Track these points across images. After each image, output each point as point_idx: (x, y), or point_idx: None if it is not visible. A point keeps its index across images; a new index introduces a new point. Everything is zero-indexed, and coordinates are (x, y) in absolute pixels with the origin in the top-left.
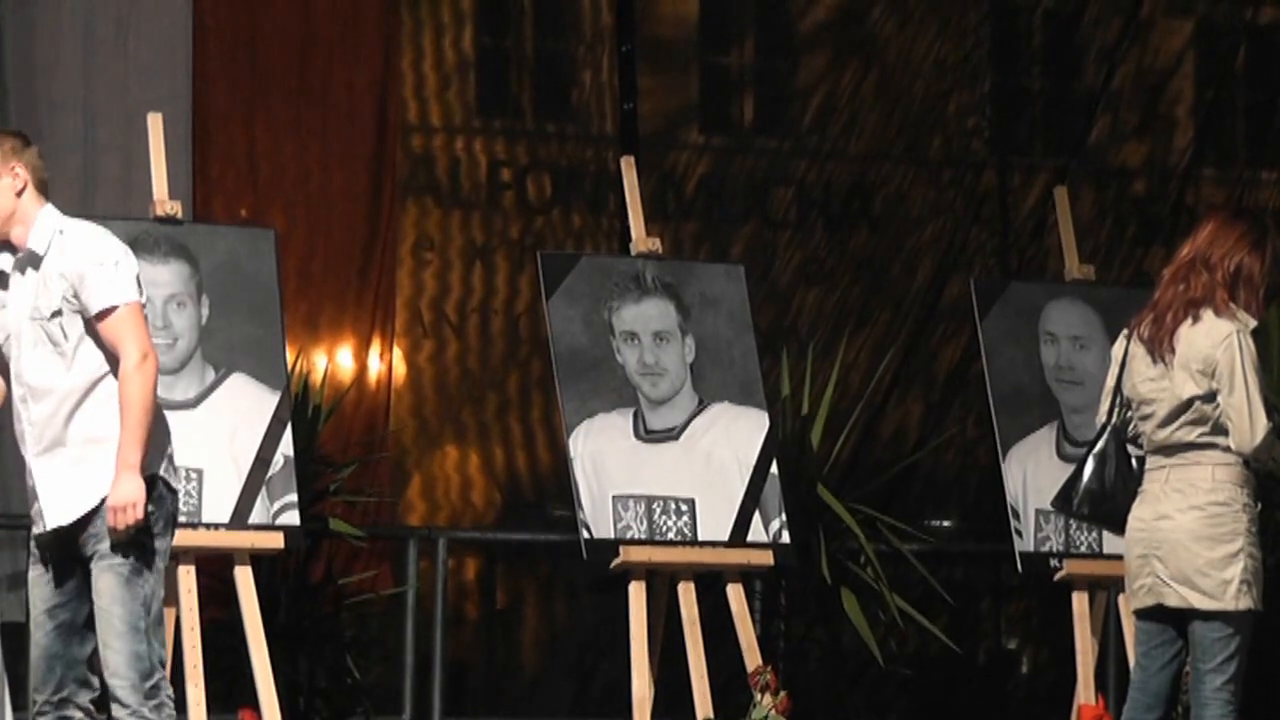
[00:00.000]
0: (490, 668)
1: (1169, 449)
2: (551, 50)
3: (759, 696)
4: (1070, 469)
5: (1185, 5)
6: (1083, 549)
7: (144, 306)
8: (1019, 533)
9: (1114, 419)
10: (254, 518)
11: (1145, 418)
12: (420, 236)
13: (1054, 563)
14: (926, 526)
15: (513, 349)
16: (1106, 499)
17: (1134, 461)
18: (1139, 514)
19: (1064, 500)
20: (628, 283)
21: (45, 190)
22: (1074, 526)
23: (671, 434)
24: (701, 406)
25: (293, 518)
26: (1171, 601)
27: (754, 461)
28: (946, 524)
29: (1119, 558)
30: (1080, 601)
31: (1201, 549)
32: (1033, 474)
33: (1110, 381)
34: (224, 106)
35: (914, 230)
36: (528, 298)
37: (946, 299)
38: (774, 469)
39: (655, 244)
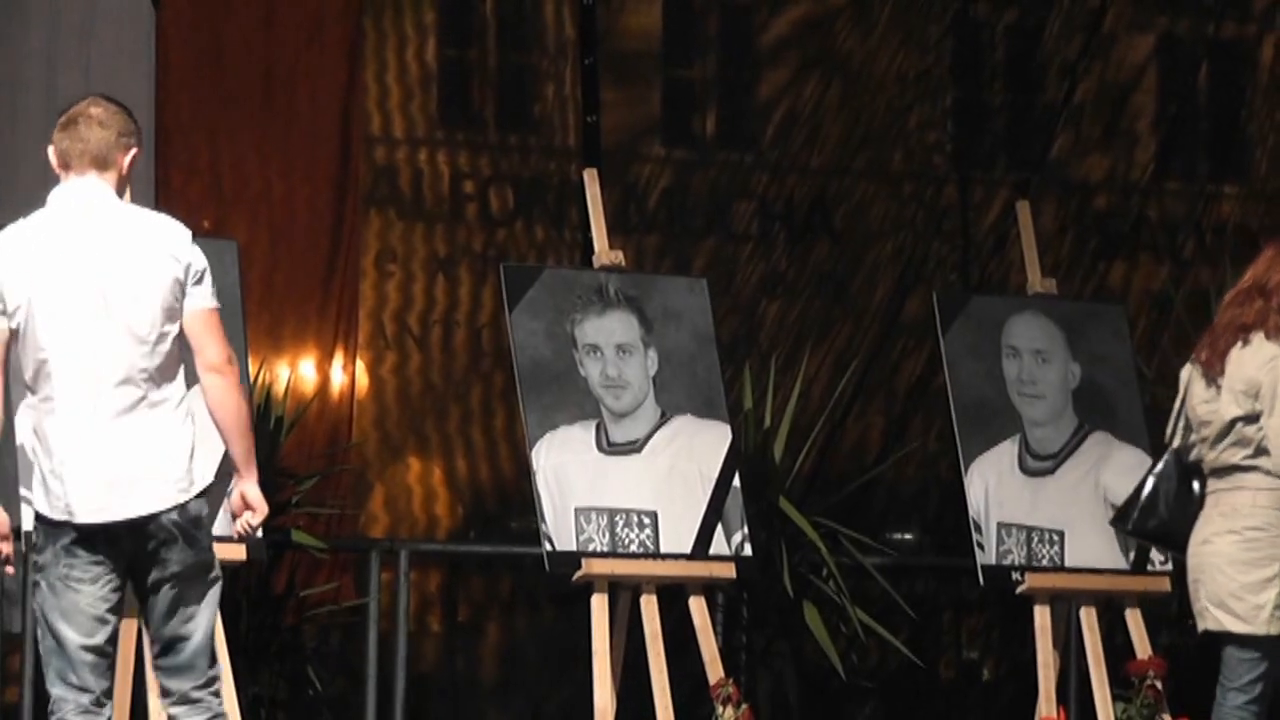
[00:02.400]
0: (452, 680)
1: (1218, 471)
2: (514, 63)
3: (721, 709)
4: (1031, 482)
5: (1147, 20)
6: (1044, 562)
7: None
8: (981, 546)
9: (1176, 441)
10: (216, 530)
11: (1202, 440)
12: (383, 248)
13: (1016, 576)
14: (888, 540)
15: (475, 361)
16: (1160, 518)
17: (1195, 484)
18: (1192, 539)
19: (1121, 518)
20: (590, 295)
21: (71, 169)
22: (1035, 539)
23: (634, 447)
24: (664, 419)
25: None
26: (1209, 625)
27: (716, 474)
28: (908, 537)
29: (1081, 571)
30: (1042, 615)
31: (1236, 573)
32: (994, 487)
33: (1176, 404)
34: (187, 118)
35: (875, 244)
36: (490, 310)
37: (908, 313)
38: (736, 482)
39: (618, 257)
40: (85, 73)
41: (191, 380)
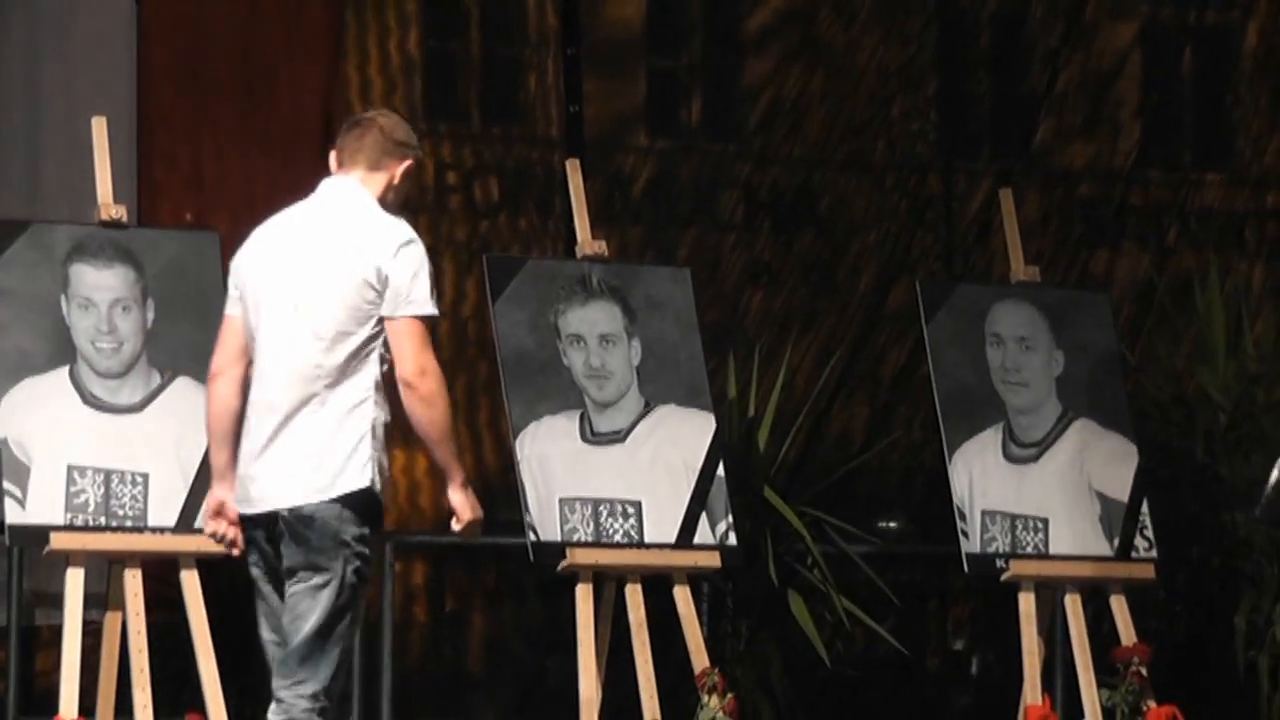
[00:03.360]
0: (438, 671)
1: None
2: (497, 53)
3: (706, 698)
4: (1015, 470)
5: (1130, 7)
6: (1029, 549)
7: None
8: (965, 534)
9: None
10: (200, 522)
11: None
12: None
13: (1000, 563)
14: (873, 528)
15: (459, 352)
16: None
17: None
18: None
19: (1264, 507)
20: (574, 286)
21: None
22: (1019, 527)
23: (618, 436)
24: (648, 409)
25: None
26: None
27: (700, 464)
28: (893, 526)
29: (1065, 558)
30: (1027, 602)
31: None
32: (979, 475)
33: None
34: (168, 110)
35: (859, 233)
36: (474, 301)
37: (892, 301)
38: (720, 471)
39: (601, 247)
40: (66, 65)
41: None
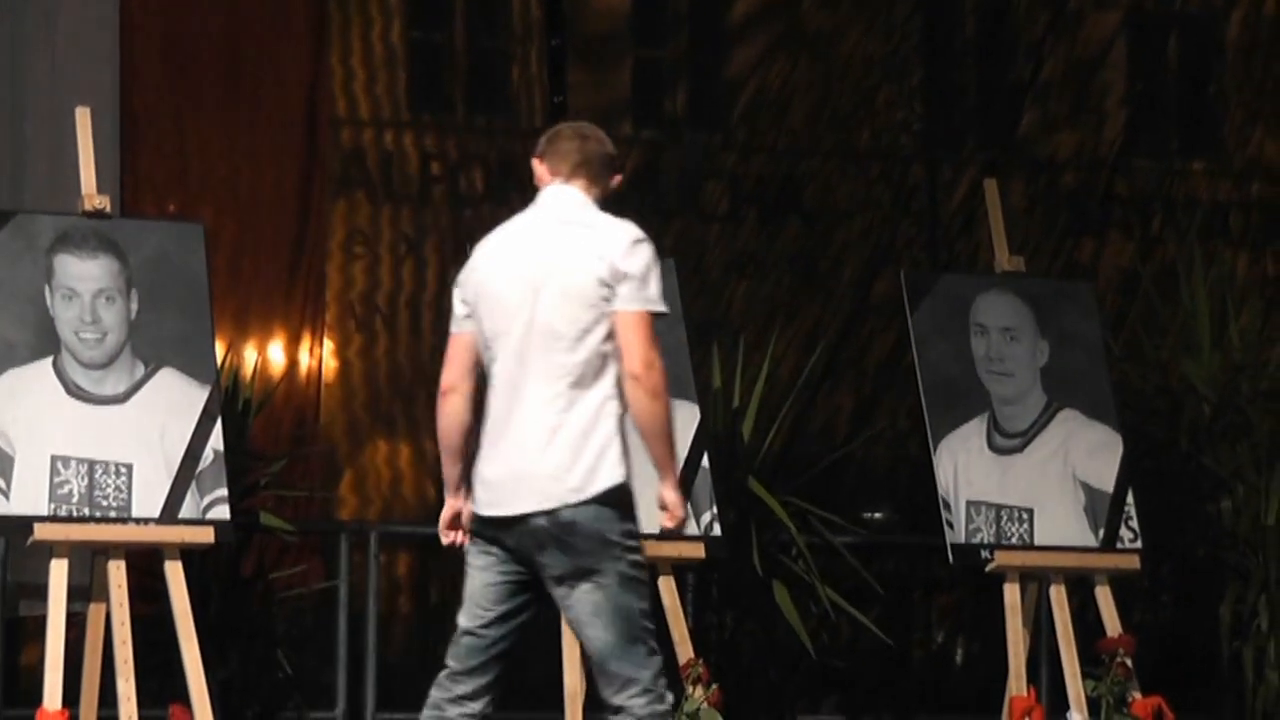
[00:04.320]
0: (423, 662)
1: None
2: (481, 44)
3: (691, 689)
4: (1000, 460)
5: None
6: (1014, 540)
7: None
8: (950, 524)
9: None
10: (184, 512)
11: None
12: (351, 231)
13: (985, 554)
14: (858, 519)
15: (443, 343)
16: None
17: None
18: None
19: None
20: None
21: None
22: (1004, 517)
23: None
24: None
25: (223, 512)
26: None
27: (685, 454)
28: (878, 516)
29: (1051, 549)
30: (1012, 593)
31: None
32: (963, 466)
33: None
34: (152, 101)
35: (844, 223)
36: None
37: (877, 292)
38: (705, 461)
39: None
40: (50, 57)
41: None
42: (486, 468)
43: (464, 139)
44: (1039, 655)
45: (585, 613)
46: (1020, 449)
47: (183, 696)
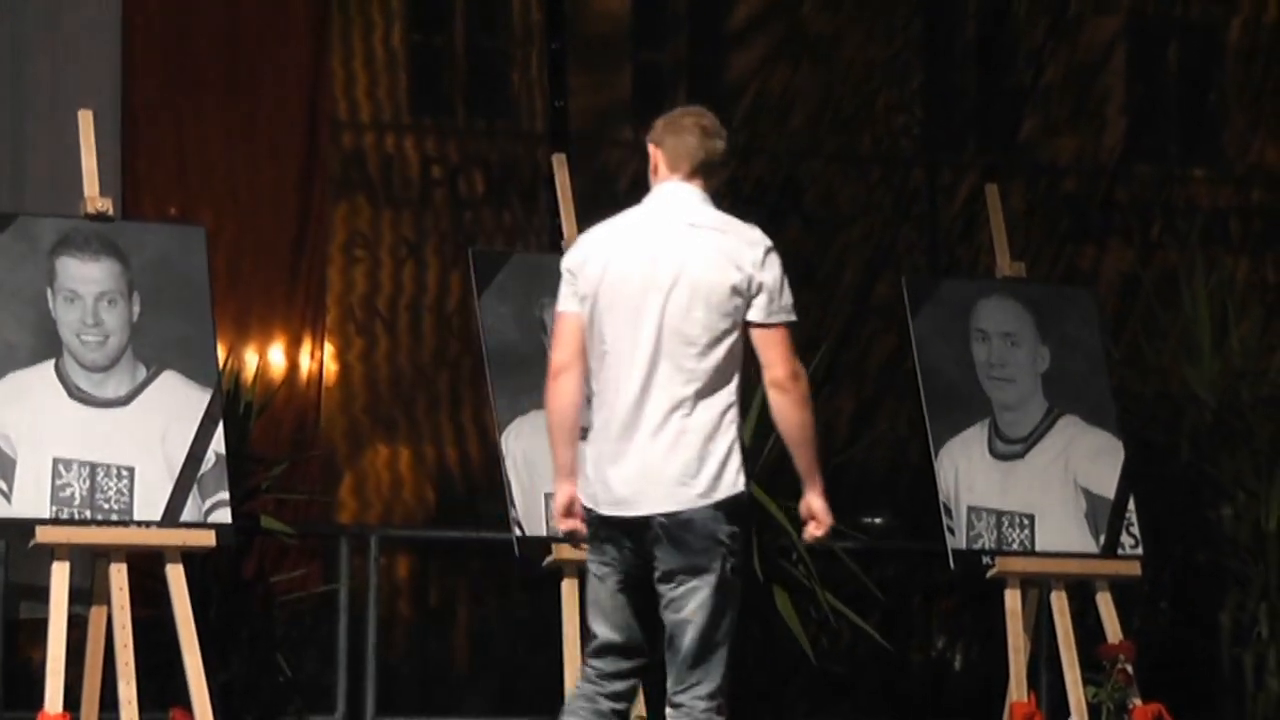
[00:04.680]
0: (423, 665)
1: None
2: (482, 47)
3: None
4: (1001, 466)
5: (1115, 2)
6: (1015, 546)
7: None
8: (951, 530)
9: None
10: (186, 516)
11: None
12: (351, 234)
13: (986, 560)
14: (858, 524)
15: (443, 346)
16: None
17: None
18: None
19: None
20: (559, 280)
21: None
22: (1005, 523)
23: None
24: None
25: (224, 516)
26: None
27: None
28: (878, 521)
29: (1051, 555)
30: (1013, 599)
31: None
32: (964, 471)
33: None
34: (153, 103)
35: (844, 228)
36: (459, 295)
37: (877, 296)
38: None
39: None
40: (51, 57)
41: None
42: (610, 469)
43: (465, 142)
44: (1039, 661)
45: (686, 610)
46: (1021, 455)
47: (183, 699)
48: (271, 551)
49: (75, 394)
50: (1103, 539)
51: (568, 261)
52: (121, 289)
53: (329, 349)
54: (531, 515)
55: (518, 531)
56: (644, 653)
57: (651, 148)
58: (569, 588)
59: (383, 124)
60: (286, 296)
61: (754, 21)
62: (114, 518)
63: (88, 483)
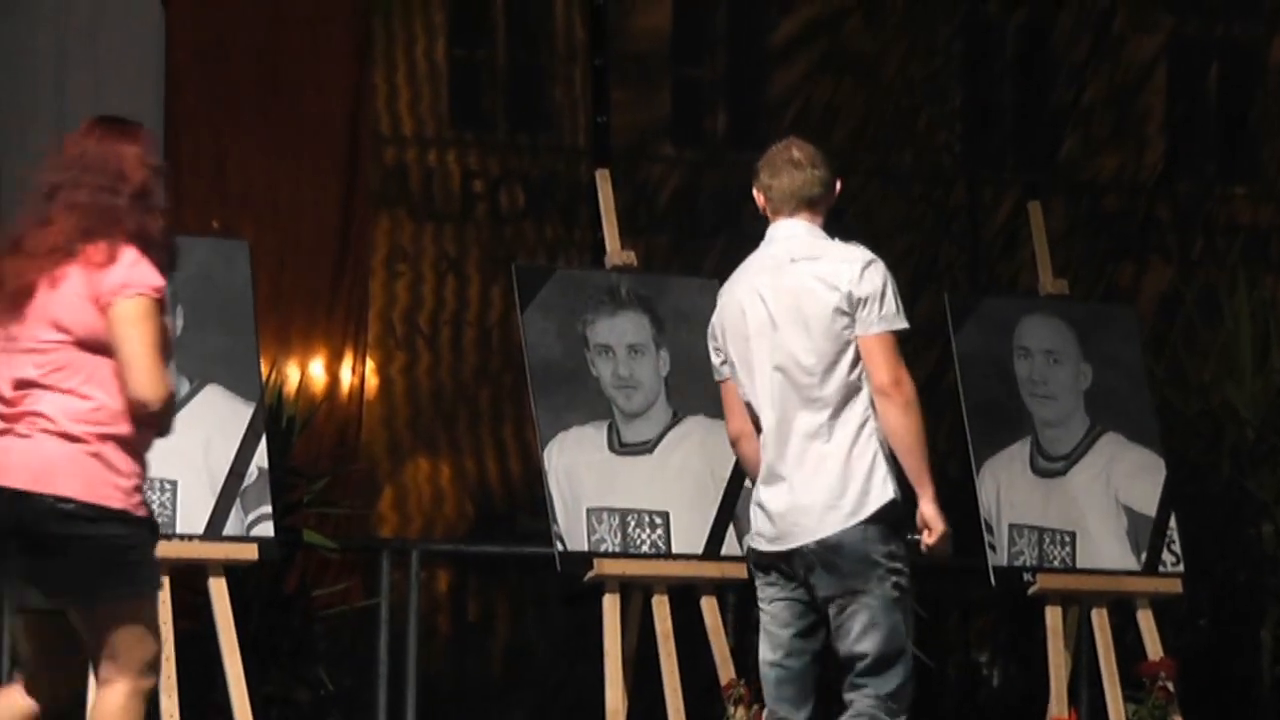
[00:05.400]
0: (463, 680)
1: None
2: (524, 63)
3: (732, 710)
4: (1043, 483)
5: (1157, 20)
6: (1056, 563)
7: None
8: (992, 547)
9: None
10: (228, 529)
11: None
12: (393, 248)
13: (1028, 577)
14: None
15: (485, 361)
16: None
17: None
18: None
19: None
20: (602, 296)
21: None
22: (1047, 540)
23: (646, 447)
24: (676, 420)
25: (267, 529)
26: None
27: (728, 474)
28: (915, 538)
29: (1092, 572)
30: (1053, 616)
31: None
32: (1006, 488)
33: None
34: (195, 118)
35: (885, 244)
36: (500, 310)
37: (918, 313)
38: (748, 482)
39: (630, 257)
40: (93, 72)
41: None
42: (766, 507)
43: (506, 157)
44: (1079, 678)
45: (855, 631)
46: (1063, 472)
47: (225, 712)
48: (313, 565)
49: None
50: (1144, 556)
51: (710, 327)
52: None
53: (370, 363)
54: (573, 530)
55: (559, 547)
56: (810, 680)
57: (756, 192)
58: (610, 602)
59: (424, 138)
60: (328, 311)
61: (795, 39)
62: None
63: None
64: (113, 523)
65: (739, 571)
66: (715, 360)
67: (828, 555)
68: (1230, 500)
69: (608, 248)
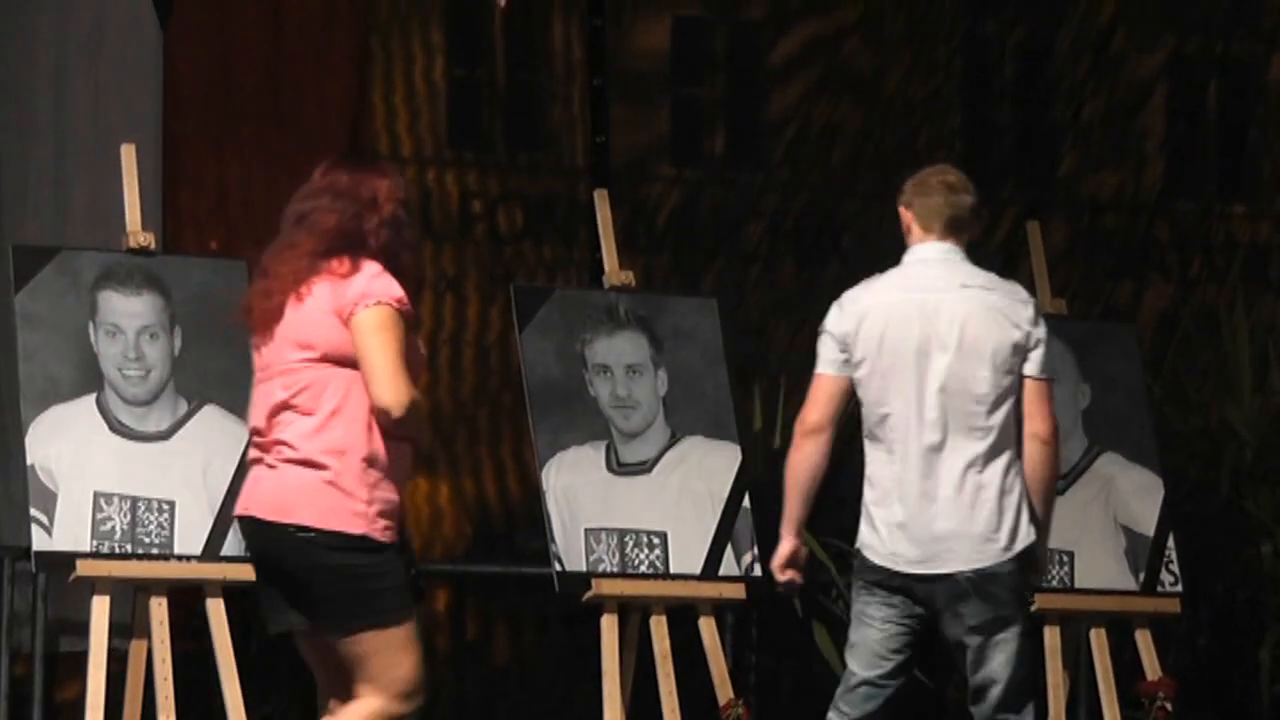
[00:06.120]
0: (460, 700)
1: None
2: (523, 82)
3: None
4: None
5: (1156, 39)
6: (1054, 583)
7: None
8: None
9: None
10: (226, 550)
11: None
12: None
13: (1027, 596)
14: None
15: (483, 381)
16: None
17: None
18: None
19: None
20: (601, 316)
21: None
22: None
23: (644, 467)
24: (674, 440)
25: None
26: None
27: (726, 494)
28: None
29: (1091, 592)
30: (1052, 635)
31: None
32: None
33: None
34: (194, 137)
35: (884, 263)
36: (499, 329)
37: None
38: (746, 502)
39: (628, 277)
40: (93, 90)
41: None
42: (911, 529)
43: (505, 177)
44: (1078, 697)
45: (999, 661)
46: (1061, 491)
47: None
48: None
49: (116, 428)
50: (1142, 576)
51: (832, 327)
52: (163, 323)
53: None
54: (571, 550)
55: (557, 566)
56: (889, 700)
57: (902, 210)
58: (608, 622)
59: (423, 158)
60: None
61: (794, 58)
62: (154, 551)
63: (128, 516)
64: (352, 550)
65: (737, 591)
66: (833, 356)
67: (985, 585)
68: (1229, 520)
69: (606, 267)
